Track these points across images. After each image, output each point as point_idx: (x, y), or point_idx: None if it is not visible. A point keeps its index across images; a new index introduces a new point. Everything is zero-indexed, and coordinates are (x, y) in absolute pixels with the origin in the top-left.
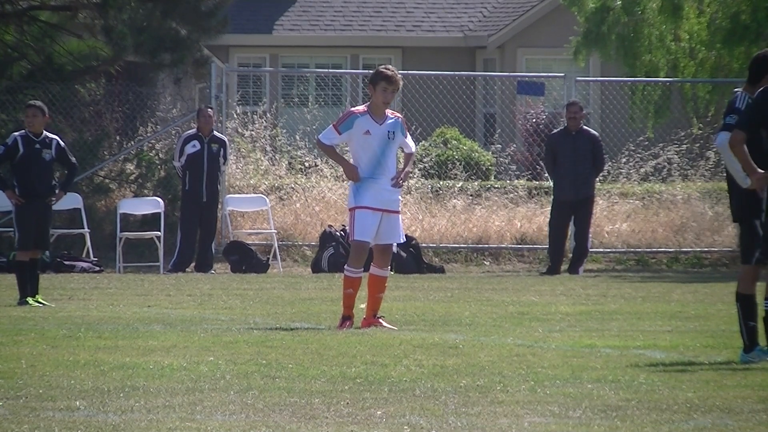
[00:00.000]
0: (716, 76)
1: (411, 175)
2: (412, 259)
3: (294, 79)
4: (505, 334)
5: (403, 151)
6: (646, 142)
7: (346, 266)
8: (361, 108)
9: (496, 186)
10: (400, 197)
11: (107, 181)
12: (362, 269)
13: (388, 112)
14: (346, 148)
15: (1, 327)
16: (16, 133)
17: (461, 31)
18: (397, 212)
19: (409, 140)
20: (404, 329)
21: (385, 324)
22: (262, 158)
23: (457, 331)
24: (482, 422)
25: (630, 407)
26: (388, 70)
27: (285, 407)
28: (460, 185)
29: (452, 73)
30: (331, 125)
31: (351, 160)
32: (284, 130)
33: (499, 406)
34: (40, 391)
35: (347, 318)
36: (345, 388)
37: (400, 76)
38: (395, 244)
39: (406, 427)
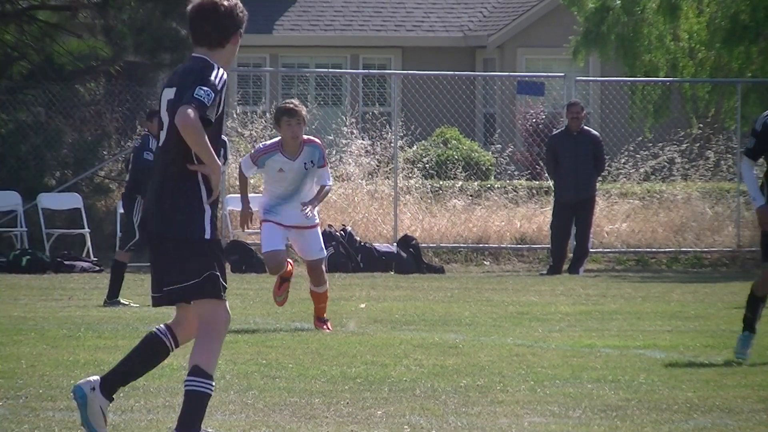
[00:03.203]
0: (716, 75)
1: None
2: (411, 259)
3: (294, 79)
4: (505, 334)
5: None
6: (649, 143)
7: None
8: (274, 144)
9: (496, 186)
10: (316, 212)
11: (107, 181)
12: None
13: (307, 138)
14: None
15: (2, 327)
16: (154, 140)
17: (461, 31)
18: (312, 227)
19: (326, 171)
20: (404, 329)
21: (329, 328)
22: None
23: (457, 331)
24: (482, 422)
25: (630, 407)
26: (289, 103)
27: (285, 407)
28: (459, 185)
29: (452, 73)
30: (249, 154)
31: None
32: None
33: (499, 406)
34: (40, 390)
35: (321, 320)
36: (345, 388)
37: (302, 106)
38: (321, 257)
39: (406, 426)
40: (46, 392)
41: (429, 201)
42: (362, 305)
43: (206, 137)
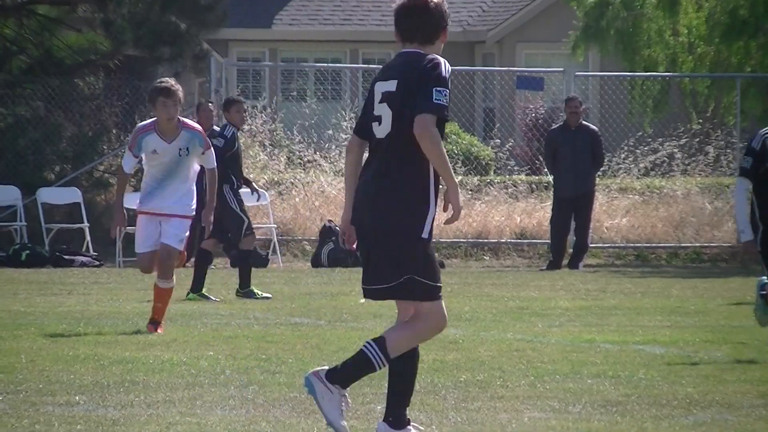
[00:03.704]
0: (715, 70)
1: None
2: None
3: (293, 73)
4: (505, 329)
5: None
6: (649, 139)
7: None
8: (150, 123)
9: (496, 181)
10: (191, 202)
11: (107, 175)
12: (172, 279)
13: (188, 124)
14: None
15: (1, 321)
16: (231, 128)
17: (460, 26)
18: (184, 217)
19: (211, 154)
20: None
21: (159, 331)
22: (261, 153)
23: (457, 326)
24: (482, 417)
25: (630, 402)
26: (164, 82)
27: (285, 402)
28: (459, 180)
29: (451, 67)
30: (128, 145)
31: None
32: (283, 125)
33: (499, 401)
34: (40, 385)
35: (155, 323)
36: None
37: (178, 86)
38: (174, 247)
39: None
40: (46, 387)
41: None
42: (362, 300)
43: (443, 148)
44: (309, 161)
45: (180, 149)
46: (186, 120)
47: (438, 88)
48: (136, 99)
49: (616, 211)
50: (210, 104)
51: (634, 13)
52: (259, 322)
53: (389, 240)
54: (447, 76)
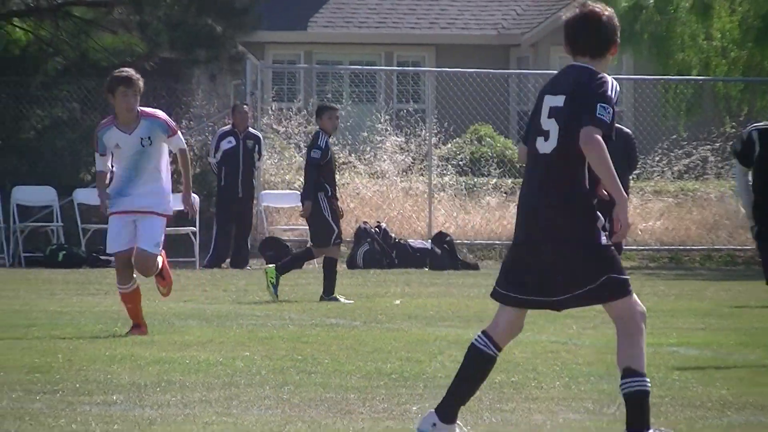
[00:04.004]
0: (748, 74)
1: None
2: (446, 255)
3: (328, 75)
4: (540, 331)
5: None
6: (683, 142)
7: (117, 284)
8: (110, 118)
9: None
10: (166, 199)
11: None
12: (129, 283)
13: (147, 112)
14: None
15: (39, 321)
16: (324, 136)
17: (495, 29)
18: (160, 215)
19: (178, 137)
20: (439, 325)
21: (142, 333)
22: (297, 155)
23: None
24: (516, 418)
25: (663, 404)
26: (123, 72)
27: (321, 402)
28: (494, 182)
29: (486, 70)
30: (96, 148)
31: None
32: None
33: (533, 403)
34: (77, 385)
35: (135, 326)
36: (380, 384)
37: (138, 76)
38: (151, 252)
39: None
40: (83, 386)
41: (463, 198)
42: (397, 301)
43: (611, 162)
44: (344, 163)
45: (141, 138)
46: (145, 109)
47: (602, 104)
48: (172, 101)
49: (650, 213)
50: (245, 106)
51: (668, 17)
52: (295, 323)
53: (572, 250)
54: (612, 95)
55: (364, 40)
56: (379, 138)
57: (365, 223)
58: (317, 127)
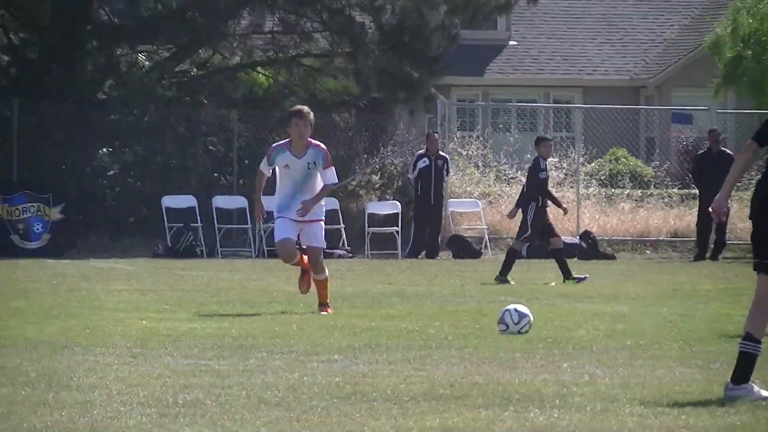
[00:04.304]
0: None
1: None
2: (590, 248)
3: (500, 110)
4: (662, 306)
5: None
6: None
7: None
8: (285, 143)
9: (655, 193)
10: (322, 209)
11: (357, 188)
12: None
13: (312, 142)
14: None
15: (278, 299)
16: (544, 161)
17: (628, 75)
18: (315, 221)
19: (330, 172)
20: (584, 302)
21: (328, 311)
22: (476, 172)
23: (625, 303)
24: (643, 372)
25: (760, 362)
26: (298, 107)
27: (493, 361)
28: (627, 192)
29: (621, 106)
30: (265, 155)
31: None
32: (492, 150)
33: (656, 360)
34: (307, 347)
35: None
36: (539, 347)
37: (308, 110)
38: (317, 247)
39: (585, 375)
40: (312, 348)
41: (603, 204)
42: (552, 284)
43: None
44: (512, 178)
45: (308, 163)
46: (312, 140)
47: None
48: (380, 130)
49: (748, 216)
50: (436, 134)
51: (763, 65)
52: (475, 300)
53: None
54: None
55: (527, 83)
56: None
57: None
58: (536, 154)
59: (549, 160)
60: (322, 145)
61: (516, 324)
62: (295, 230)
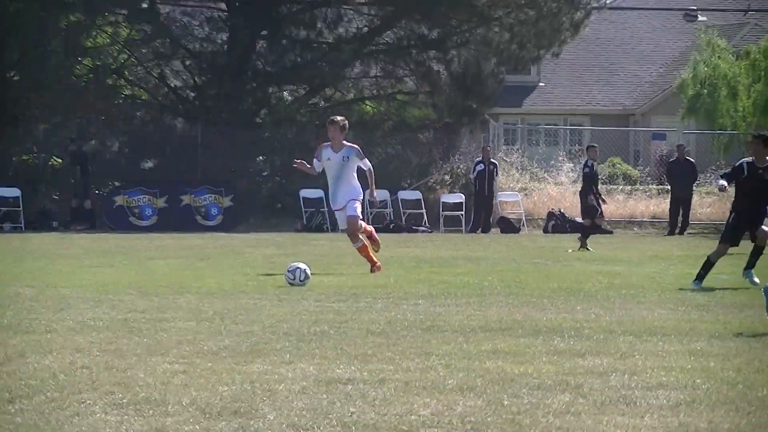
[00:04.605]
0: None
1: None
2: (594, 227)
3: (533, 131)
4: (645, 267)
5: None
6: (722, 166)
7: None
8: (327, 143)
9: (640, 188)
10: (357, 190)
11: (435, 185)
12: (357, 242)
13: (346, 144)
14: None
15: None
16: (591, 161)
17: (621, 106)
18: (352, 200)
19: (365, 162)
20: (592, 264)
21: (377, 270)
22: (516, 173)
23: (620, 265)
24: (633, 312)
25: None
26: (332, 117)
27: (529, 304)
28: (620, 187)
29: (617, 128)
30: (315, 154)
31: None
32: (527, 158)
33: (641, 304)
34: (400, 294)
35: (374, 266)
36: (560, 295)
37: (340, 118)
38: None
39: (592, 314)
40: (403, 295)
41: (604, 195)
42: (569, 250)
43: None
44: (542, 178)
45: (343, 157)
46: (347, 142)
47: None
48: (450, 145)
49: (703, 202)
50: (488, 147)
51: (714, 100)
52: (516, 262)
53: None
54: None
55: (552, 112)
56: (559, 163)
57: (552, 209)
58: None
59: (568, 165)
60: (355, 145)
61: (301, 281)
62: (343, 216)
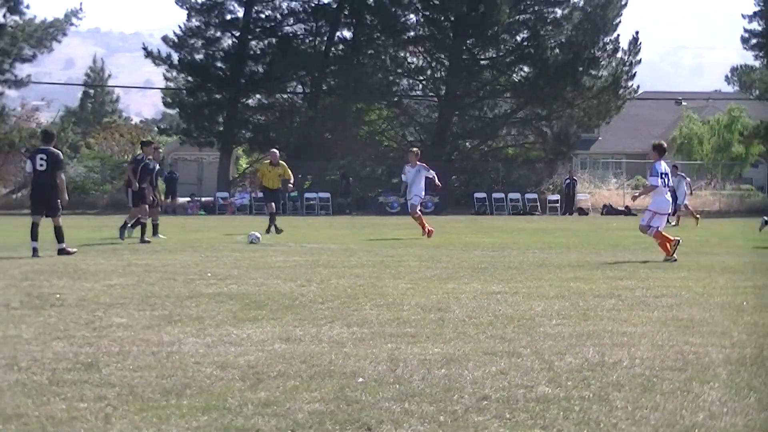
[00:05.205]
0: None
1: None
2: (628, 211)
3: (597, 163)
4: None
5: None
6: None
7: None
8: (410, 164)
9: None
10: (420, 191)
11: (545, 190)
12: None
13: (420, 163)
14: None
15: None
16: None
17: (641, 149)
18: (415, 195)
19: (430, 172)
20: (627, 231)
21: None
22: (586, 185)
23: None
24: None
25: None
26: (412, 147)
27: (575, 268)
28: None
29: (644, 161)
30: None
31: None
32: (592, 177)
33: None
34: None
35: (428, 233)
36: (598, 268)
37: (413, 150)
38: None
39: (626, 257)
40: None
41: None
42: (614, 224)
43: None
44: (597, 188)
45: (416, 171)
46: (419, 161)
47: None
48: (553, 170)
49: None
50: (571, 172)
51: (690, 145)
52: (583, 233)
53: None
54: None
55: (605, 152)
56: (608, 180)
57: (605, 203)
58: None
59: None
60: (424, 164)
61: (254, 242)
62: (409, 204)
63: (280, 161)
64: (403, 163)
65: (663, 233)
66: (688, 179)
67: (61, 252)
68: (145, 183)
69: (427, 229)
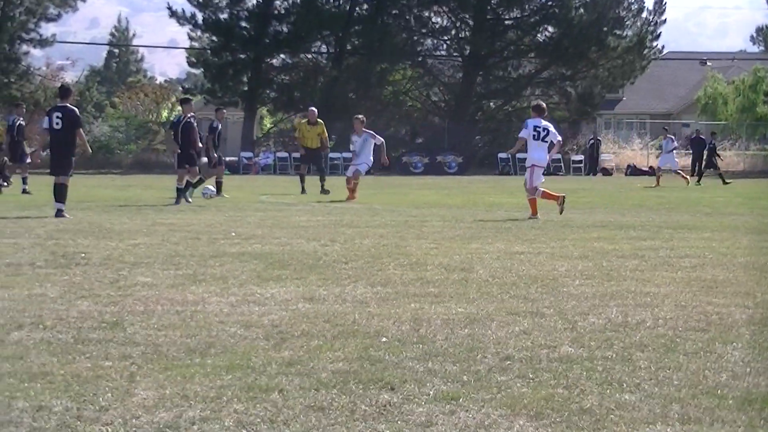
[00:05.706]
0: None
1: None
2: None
3: (621, 123)
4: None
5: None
6: None
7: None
8: (355, 131)
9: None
10: (369, 157)
11: (569, 150)
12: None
13: (366, 130)
14: None
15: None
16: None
17: (665, 109)
18: (362, 163)
19: (378, 138)
20: (651, 192)
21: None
22: (611, 144)
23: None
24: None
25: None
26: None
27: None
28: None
29: (662, 121)
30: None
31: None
32: (616, 137)
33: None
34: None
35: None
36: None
37: (358, 117)
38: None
39: (650, 218)
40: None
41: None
42: (638, 185)
43: None
44: (621, 149)
45: (364, 139)
46: (366, 129)
47: None
48: (577, 129)
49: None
50: (594, 131)
51: (715, 105)
52: (607, 193)
53: None
54: None
55: (630, 112)
56: (632, 140)
57: (629, 163)
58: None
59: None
60: (371, 132)
61: (211, 197)
62: (353, 169)
63: (318, 120)
64: (420, 124)
65: (547, 191)
66: (675, 143)
67: (59, 214)
68: (188, 144)
69: (351, 197)
